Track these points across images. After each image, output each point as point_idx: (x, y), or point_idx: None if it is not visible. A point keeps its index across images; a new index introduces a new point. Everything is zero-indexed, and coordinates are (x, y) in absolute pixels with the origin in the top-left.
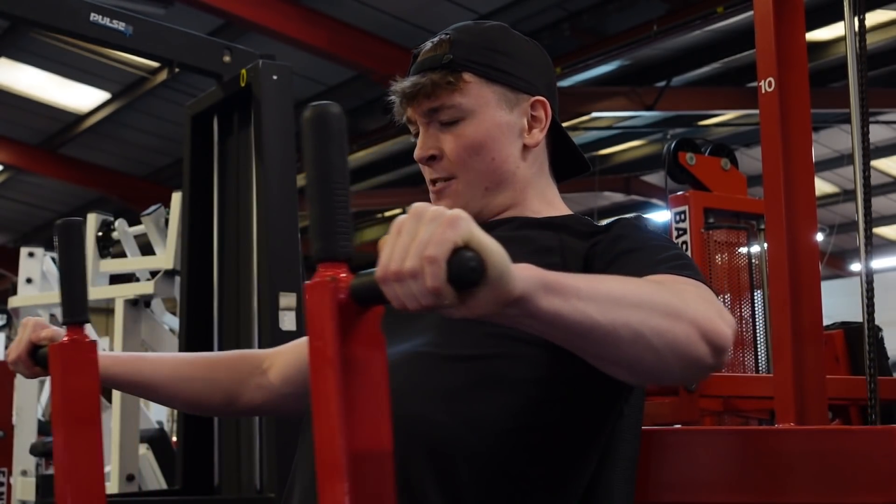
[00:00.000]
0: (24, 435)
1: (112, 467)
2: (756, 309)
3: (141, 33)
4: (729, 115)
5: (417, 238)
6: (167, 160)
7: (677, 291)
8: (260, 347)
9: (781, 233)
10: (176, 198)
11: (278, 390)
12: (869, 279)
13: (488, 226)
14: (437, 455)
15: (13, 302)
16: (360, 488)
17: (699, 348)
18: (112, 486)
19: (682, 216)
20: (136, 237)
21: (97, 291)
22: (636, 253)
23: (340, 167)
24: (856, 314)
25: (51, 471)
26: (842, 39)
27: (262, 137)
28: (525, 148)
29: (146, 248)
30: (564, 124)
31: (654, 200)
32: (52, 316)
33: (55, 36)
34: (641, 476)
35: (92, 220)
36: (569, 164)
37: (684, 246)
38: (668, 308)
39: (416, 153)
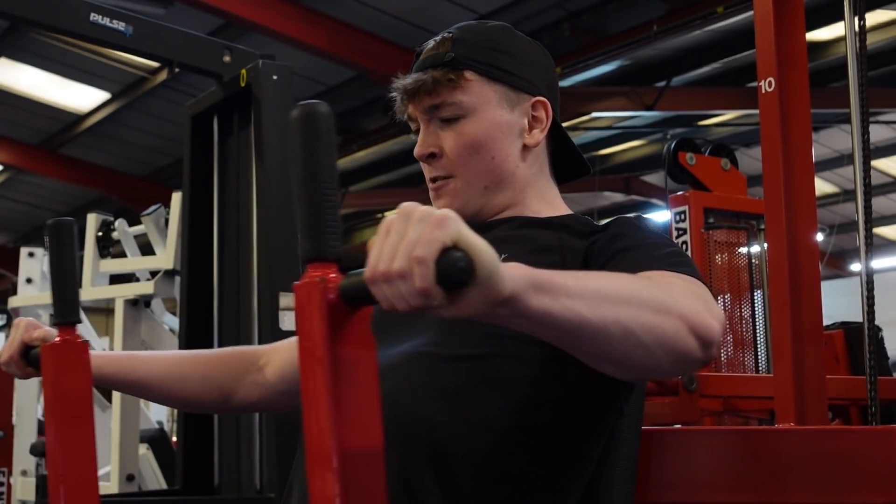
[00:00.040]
0: (24, 435)
1: (112, 467)
2: (756, 309)
3: (141, 33)
4: (729, 115)
5: (406, 238)
6: (167, 160)
7: (665, 286)
8: None
9: (781, 233)
10: (176, 198)
11: (274, 387)
12: (869, 279)
13: (488, 225)
14: (438, 455)
15: (13, 302)
16: (349, 483)
17: (688, 342)
18: (112, 486)
19: (682, 216)
20: (136, 237)
21: (97, 291)
22: (632, 251)
23: (329, 167)
24: (856, 314)
25: None
26: (842, 39)
27: (262, 137)
28: (525, 148)
29: (146, 248)
30: (564, 124)
31: (654, 200)
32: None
33: (55, 36)
34: (641, 476)
35: (92, 220)
36: (569, 166)
37: (684, 246)
38: (657, 303)
39: (416, 150)
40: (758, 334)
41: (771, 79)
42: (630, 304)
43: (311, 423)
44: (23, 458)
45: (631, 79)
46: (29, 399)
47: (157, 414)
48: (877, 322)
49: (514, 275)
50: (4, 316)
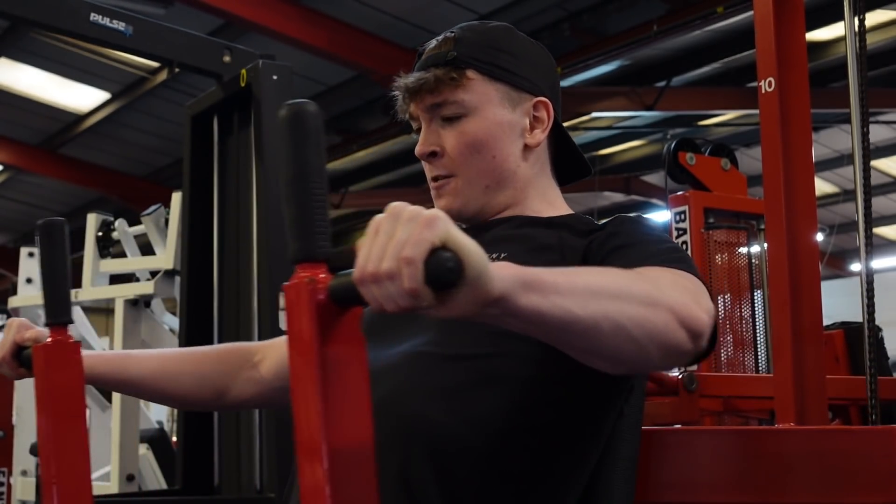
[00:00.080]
0: (24, 435)
1: (112, 467)
2: (756, 309)
3: (141, 33)
4: (729, 115)
5: (395, 238)
6: (167, 160)
7: (653, 280)
8: None
9: (781, 233)
10: (176, 198)
11: (270, 384)
12: (869, 279)
13: (489, 224)
14: (438, 454)
15: (13, 302)
16: (340, 479)
17: (677, 335)
18: (112, 486)
19: (682, 216)
20: (136, 237)
21: (97, 291)
22: (629, 248)
23: (318, 166)
24: (856, 314)
25: None
26: (842, 39)
27: (262, 137)
28: (526, 147)
29: (146, 248)
30: (564, 124)
31: (654, 200)
32: None
33: (55, 36)
34: (641, 476)
35: (92, 220)
36: (570, 167)
37: (684, 246)
38: (646, 297)
39: (418, 149)
40: (758, 334)
41: (771, 79)
42: (619, 299)
43: (301, 423)
44: (23, 458)
45: (631, 79)
46: (29, 399)
47: (157, 414)
48: (877, 322)
49: (504, 274)
50: (4, 316)
